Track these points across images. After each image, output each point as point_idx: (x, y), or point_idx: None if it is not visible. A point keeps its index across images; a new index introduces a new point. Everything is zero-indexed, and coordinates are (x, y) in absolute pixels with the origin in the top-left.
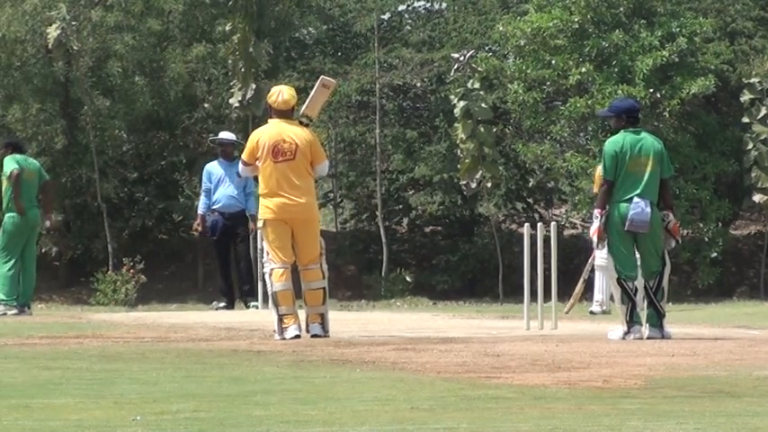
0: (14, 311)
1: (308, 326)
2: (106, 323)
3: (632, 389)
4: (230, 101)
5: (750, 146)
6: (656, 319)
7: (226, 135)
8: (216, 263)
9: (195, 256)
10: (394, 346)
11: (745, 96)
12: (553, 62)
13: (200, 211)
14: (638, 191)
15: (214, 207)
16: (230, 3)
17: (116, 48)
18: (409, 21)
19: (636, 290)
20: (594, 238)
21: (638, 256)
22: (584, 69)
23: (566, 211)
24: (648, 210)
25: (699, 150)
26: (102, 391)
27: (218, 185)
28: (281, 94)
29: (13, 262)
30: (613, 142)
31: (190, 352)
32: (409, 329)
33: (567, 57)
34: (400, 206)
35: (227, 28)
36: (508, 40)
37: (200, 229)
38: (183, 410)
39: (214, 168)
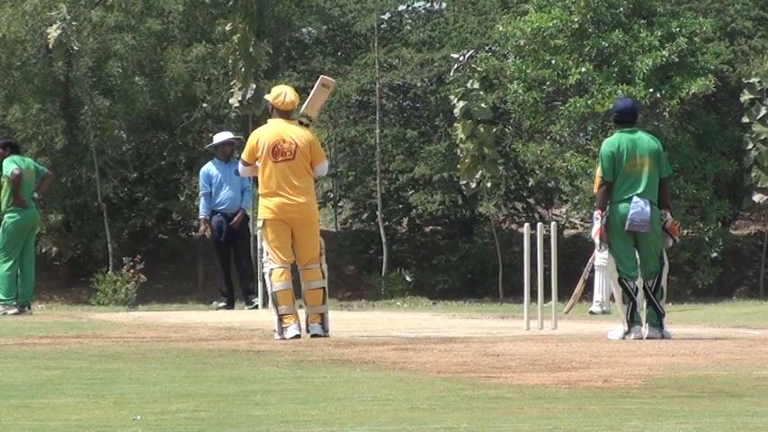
0: (14, 311)
1: (307, 326)
2: (106, 323)
3: (632, 389)
4: (230, 101)
5: (750, 146)
6: (656, 319)
7: (222, 136)
8: (216, 263)
9: (195, 256)
10: (394, 346)
11: (745, 96)
12: (553, 62)
13: (202, 216)
14: (637, 190)
15: (217, 208)
16: (230, 3)
17: (116, 48)
18: (409, 21)
19: (637, 289)
20: (597, 240)
21: (637, 255)
22: (584, 69)
23: (566, 211)
24: (648, 209)
25: (699, 150)
26: (102, 391)
27: (219, 187)
28: (287, 95)
29: (12, 262)
30: (609, 143)
31: (190, 352)
32: (409, 329)
33: (566, 57)
34: (400, 206)
35: (227, 28)
36: (508, 40)
37: (207, 233)
38: (183, 410)
39: (212, 170)
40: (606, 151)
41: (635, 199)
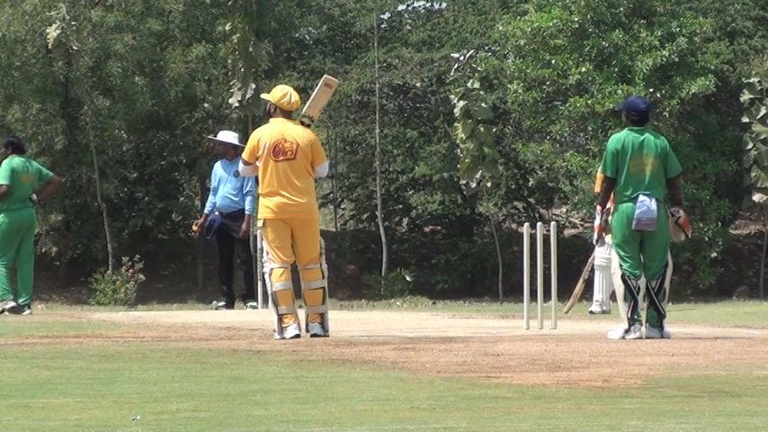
0: (12, 304)
1: (307, 325)
2: (106, 323)
3: (632, 389)
4: (230, 101)
5: (750, 146)
6: (657, 320)
7: (225, 135)
8: (215, 262)
9: (195, 256)
10: (394, 346)
11: (745, 96)
12: (553, 62)
13: (205, 211)
14: (642, 189)
15: (216, 206)
16: (230, 3)
17: (116, 48)
18: (409, 20)
19: (639, 288)
20: (594, 235)
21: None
22: (584, 69)
23: (566, 211)
24: (655, 207)
25: (699, 150)
26: (102, 390)
27: (219, 185)
28: (292, 95)
29: (5, 261)
30: (615, 140)
31: (190, 352)
32: (409, 329)
33: (567, 56)
34: (400, 206)
35: (227, 28)
36: (508, 40)
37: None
38: (183, 410)
39: (217, 169)
40: (611, 147)
41: (641, 198)
